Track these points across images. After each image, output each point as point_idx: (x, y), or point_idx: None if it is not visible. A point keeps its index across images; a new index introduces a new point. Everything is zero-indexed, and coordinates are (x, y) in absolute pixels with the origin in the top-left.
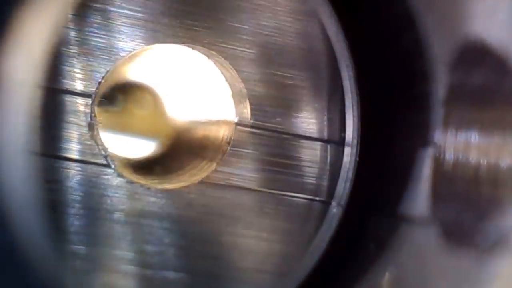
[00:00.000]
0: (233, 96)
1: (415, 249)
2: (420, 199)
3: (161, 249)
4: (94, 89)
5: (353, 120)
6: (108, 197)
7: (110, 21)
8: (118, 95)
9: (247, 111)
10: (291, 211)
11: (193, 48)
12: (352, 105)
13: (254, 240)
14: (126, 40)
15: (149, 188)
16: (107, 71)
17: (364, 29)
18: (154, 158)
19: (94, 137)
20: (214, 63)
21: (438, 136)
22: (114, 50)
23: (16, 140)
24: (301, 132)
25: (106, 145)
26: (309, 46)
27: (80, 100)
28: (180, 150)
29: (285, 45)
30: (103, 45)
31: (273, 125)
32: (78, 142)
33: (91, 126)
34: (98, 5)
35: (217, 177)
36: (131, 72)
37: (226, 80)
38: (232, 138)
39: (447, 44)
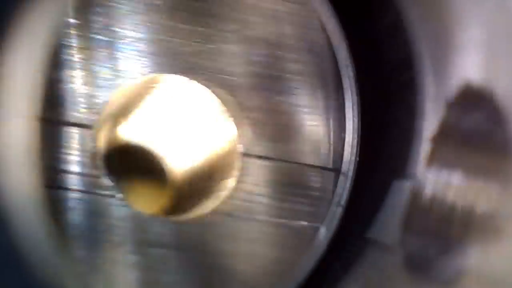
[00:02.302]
0: (236, 126)
1: (379, 273)
2: (391, 227)
3: (163, 277)
4: (95, 119)
5: (353, 120)
6: (115, 227)
7: (111, 51)
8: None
9: (252, 141)
10: (288, 237)
11: (190, 78)
12: (352, 105)
13: (249, 265)
14: (126, 69)
15: (158, 219)
16: (105, 102)
17: (364, 31)
18: (159, 211)
19: (98, 167)
20: (213, 92)
21: (420, 170)
22: (114, 79)
23: (18, 170)
24: (298, 159)
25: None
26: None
27: (83, 131)
28: (185, 194)
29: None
30: (103, 75)
31: (276, 154)
32: (82, 173)
33: (94, 156)
34: (100, 38)
35: (224, 208)
36: (130, 129)
37: (228, 110)
38: (240, 168)
39: (445, 83)
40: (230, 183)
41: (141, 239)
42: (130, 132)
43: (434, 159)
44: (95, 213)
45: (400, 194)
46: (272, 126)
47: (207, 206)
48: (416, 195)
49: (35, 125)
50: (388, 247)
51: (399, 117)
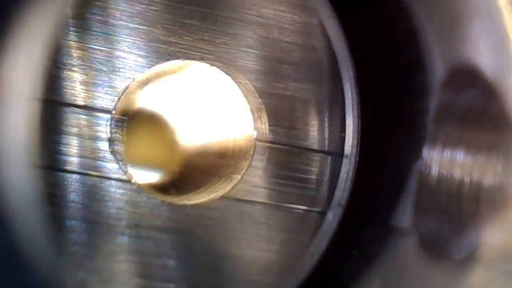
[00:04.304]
0: (252, 111)
1: (395, 258)
2: (404, 210)
3: (174, 262)
4: (113, 105)
5: (353, 120)
6: (128, 213)
7: (128, 37)
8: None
9: (265, 126)
10: (295, 222)
11: (211, 65)
12: (352, 105)
13: (259, 252)
14: (143, 57)
15: (170, 204)
16: (127, 87)
17: (364, 30)
18: (167, 181)
19: (114, 153)
20: (232, 79)
21: (426, 151)
22: (132, 66)
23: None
24: (306, 144)
25: (127, 161)
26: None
27: (100, 117)
28: (194, 172)
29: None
30: (120, 61)
31: (287, 139)
32: (98, 158)
33: (111, 142)
34: (118, 22)
35: (236, 193)
36: (148, 92)
37: (244, 95)
38: (252, 153)
39: (442, 63)
40: (241, 167)
41: (142, 224)
42: (146, 100)
43: (437, 138)
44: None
45: (409, 177)
46: (285, 112)
47: (215, 191)
48: (423, 176)
49: (57, 109)
50: (403, 230)
51: (401, 100)
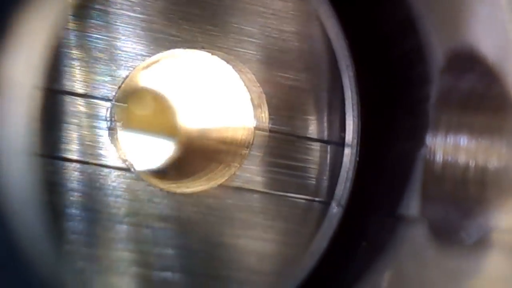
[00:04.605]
0: (252, 100)
1: (405, 246)
2: (411, 198)
3: (172, 251)
4: (113, 94)
5: (353, 120)
6: (127, 201)
7: (129, 26)
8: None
9: (265, 115)
10: (295, 212)
11: (212, 54)
12: (352, 105)
13: (258, 242)
14: (144, 45)
15: (168, 192)
16: (127, 76)
17: (364, 29)
18: (168, 164)
19: (114, 141)
20: (233, 68)
21: (429, 138)
22: (133, 55)
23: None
24: (305, 133)
25: (126, 149)
26: (309, 46)
27: (100, 104)
28: (194, 155)
29: (285, 46)
30: (121, 50)
31: (287, 129)
32: (97, 147)
33: (111, 131)
34: (119, 11)
35: (234, 181)
36: (148, 78)
37: (245, 84)
38: (252, 142)
39: (441, 49)
40: (240, 155)
41: (140, 212)
42: (149, 80)
43: (439, 125)
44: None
45: (414, 164)
46: (285, 102)
47: (214, 179)
48: (428, 163)
49: (55, 98)
50: (411, 219)
51: (402, 89)
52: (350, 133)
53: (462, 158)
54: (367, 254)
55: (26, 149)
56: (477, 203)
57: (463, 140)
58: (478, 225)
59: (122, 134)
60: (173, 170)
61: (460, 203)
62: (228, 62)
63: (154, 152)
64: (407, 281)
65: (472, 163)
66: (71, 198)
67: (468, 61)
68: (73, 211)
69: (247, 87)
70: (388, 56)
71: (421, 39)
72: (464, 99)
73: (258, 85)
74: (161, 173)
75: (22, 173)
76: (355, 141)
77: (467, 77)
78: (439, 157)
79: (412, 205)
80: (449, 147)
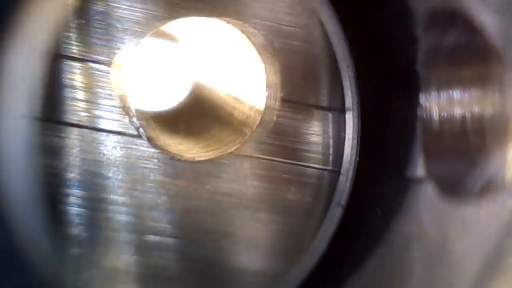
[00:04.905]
0: (265, 68)
1: (417, 207)
2: (416, 159)
3: (173, 219)
4: (124, 61)
5: (353, 120)
6: (140, 168)
7: None
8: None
9: (278, 83)
10: (306, 180)
11: (227, 22)
12: (352, 105)
13: (264, 217)
14: (154, 12)
15: (179, 159)
16: (138, 43)
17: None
18: (178, 114)
19: (126, 109)
20: (248, 37)
21: (422, 98)
22: (141, 23)
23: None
24: (316, 102)
25: (138, 117)
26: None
27: (110, 72)
28: (204, 113)
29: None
30: (130, 18)
31: (299, 98)
32: (108, 114)
33: (123, 98)
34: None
35: (246, 149)
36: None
37: (259, 52)
38: (263, 110)
39: (423, 8)
40: (251, 122)
41: (149, 179)
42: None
43: (431, 83)
44: (121, 153)
45: (413, 126)
46: (299, 70)
47: (225, 145)
48: (426, 122)
49: (61, 63)
50: (420, 179)
51: (390, 53)
52: (350, 132)
53: (458, 111)
54: (382, 220)
55: (26, 113)
56: (479, 151)
57: (456, 94)
58: (482, 172)
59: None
60: (183, 124)
61: (462, 154)
62: (242, 32)
63: (165, 95)
64: (424, 239)
65: (468, 115)
66: (70, 161)
67: (450, 16)
68: (71, 175)
69: (261, 56)
70: (374, 19)
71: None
72: (450, 54)
73: (274, 53)
74: (170, 125)
75: (21, 137)
76: (355, 140)
77: (451, 32)
78: (435, 114)
79: (418, 166)
80: (443, 102)
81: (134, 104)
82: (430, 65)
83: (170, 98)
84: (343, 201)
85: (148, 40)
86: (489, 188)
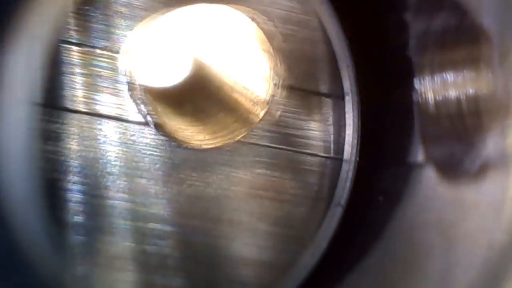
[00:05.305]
0: (273, 55)
1: (419, 192)
2: (414, 144)
3: (174, 205)
4: (127, 46)
5: (353, 120)
6: (147, 156)
7: None
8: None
9: (285, 71)
10: (312, 170)
11: (235, 8)
12: (352, 105)
13: (269, 197)
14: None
15: (186, 147)
16: (140, 27)
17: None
18: (184, 92)
19: (134, 96)
20: (257, 24)
21: (417, 83)
22: (149, 7)
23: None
24: (323, 90)
25: (145, 104)
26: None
27: (119, 58)
28: (211, 96)
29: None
30: (137, 2)
31: (305, 85)
32: (116, 101)
33: (131, 85)
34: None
35: (252, 137)
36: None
37: (267, 41)
38: (271, 98)
39: None
40: (258, 110)
41: (169, 166)
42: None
43: (423, 67)
44: (128, 140)
45: (409, 111)
46: (304, 58)
47: (231, 132)
48: (422, 106)
49: (68, 51)
50: (420, 163)
51: (382, 40)
52: (350, 132)
53: (452, 93)
54: (385, 207)
55: (28, 99)
56: (475, 131)
57: (449, 76)
58: (479, 151)
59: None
60: (189, 105)
61: (459, 135)
62: (252, 19)
63: (171, 69)
64: (425, 223)
65: (463, 96)
66: (70, 147)
67: (439, 0)
68: (72, 162)
69: (269, 44)
70: (364, 7)
71: None
72: (441, 38)
73: (282, 40)
74: (177, 105)
75: (22, 123)
76: (355, 140)
77: (440, 15)
78: (431, 98)
79: (418, 151)
80: (438, 86)
81: (141, 87)
82: (422, 49)
83: (174, 74)
84: (343, 201)
85: (153, 26)
86: (487, 168)
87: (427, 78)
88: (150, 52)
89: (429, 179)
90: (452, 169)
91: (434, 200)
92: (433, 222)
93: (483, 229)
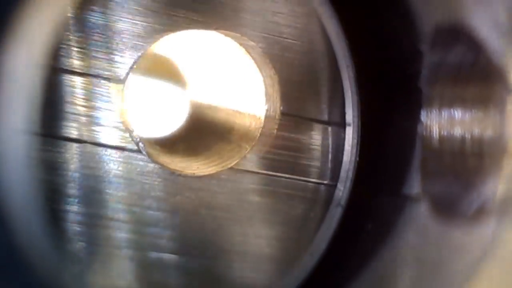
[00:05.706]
0: (265, 82)
1: (411, 225)
2: (412, 176)
3: (173, 235)
4: (125, 75)
5: (353, 120)
6: (140, 183)
7: (140, 7)
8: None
9: (277, 97)
10: (304, 194)
11: (225, 35)
12: (352, 105)
13: (264, 228)
14: (154, 26)
15: (179, 175)
16: (138, 57)
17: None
18: (177, 136)
19: (126, 124)
20: (246, 50)
21: (424, 115)
22: (142, 36)
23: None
24: (315, 116)
25: (138, 131)
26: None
27: (111, 86)
28: (203, 131)
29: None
30: (131, 31)
31: (298, 111)
32: (109, 129)
33: (123, 112)
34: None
35: (246, 164)
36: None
37: (257, 66)
38: (263, 124)
39: (428, 23)
40: (251, 136)
41: (150, 194)
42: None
43: (433, 100)
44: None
45: (412, 143)
46: (298, 83)
47: (225, 160)
48: (426, 139)
49: (63, 78)
50: (415, 197)
51: (394, 67)
52: (350, 133)
53: (458, 131)
54: (374, 236)
55: (25, 128)
56: (476, 173)
57: (457, 113)
58: (478, 194)
59: (130, 103)
60: (182, 144)
61: (459, 175)
62: (241, 45)
63: (163, 120)
64: (413, 259)
65: (468, 135)
66: (69, 177)
67: (455, 34)
68: (72, 191)
69: (259, 69)
70: (378, 33)
71: (408, 15)
72: (454, 72)
73: (271, 66)
74: (169, 146)
75: (20, 152)
76: (355, 141)
77: (456, 50)
78: (435, 133)
79: (414, 183)
80: (444, 121)
81: (134, 119)
82: (433, 82)
83: (169, 124)
84: (343, 202)
85: (147, 57)
86: (483, 211)
87: (434, 111)
88: (145, 99)
89: (421, 214)
90: (447, 208)
91: (424, 236)
92: (417, 258)
93: (467, 273)
